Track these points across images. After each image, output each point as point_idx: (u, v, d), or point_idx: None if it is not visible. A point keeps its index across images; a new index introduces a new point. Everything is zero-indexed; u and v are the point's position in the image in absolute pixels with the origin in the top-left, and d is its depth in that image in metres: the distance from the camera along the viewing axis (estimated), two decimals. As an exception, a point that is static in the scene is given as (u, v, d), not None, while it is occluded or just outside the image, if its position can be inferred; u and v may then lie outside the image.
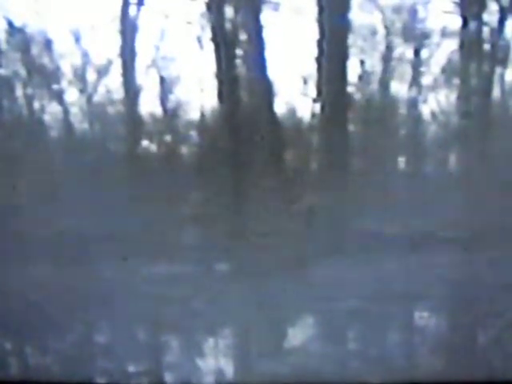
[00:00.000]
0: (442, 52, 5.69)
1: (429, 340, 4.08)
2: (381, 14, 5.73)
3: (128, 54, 5.65)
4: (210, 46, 5.55)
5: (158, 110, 5.84)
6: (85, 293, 4.42)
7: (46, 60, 5.70)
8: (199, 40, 5.60)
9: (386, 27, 5.74)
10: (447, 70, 5.75)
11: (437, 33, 5.64)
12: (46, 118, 5.82)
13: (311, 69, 5.60)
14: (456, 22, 5.59)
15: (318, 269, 4.89)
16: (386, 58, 5.76)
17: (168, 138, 5.93)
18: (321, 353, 4.00)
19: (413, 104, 5.68)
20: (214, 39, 5.53)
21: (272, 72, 5.50)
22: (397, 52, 5.75)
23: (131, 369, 3.98)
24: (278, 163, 5.53)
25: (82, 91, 5.84)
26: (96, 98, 5.87)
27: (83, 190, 5.01)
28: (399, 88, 5.76)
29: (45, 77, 5.72)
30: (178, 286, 4.60)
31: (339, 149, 5.46)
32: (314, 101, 5.61)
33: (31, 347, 4.21)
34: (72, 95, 5.86)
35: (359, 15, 5.62)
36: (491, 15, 5.63)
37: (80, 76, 5.82)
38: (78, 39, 5.68)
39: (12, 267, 4.48)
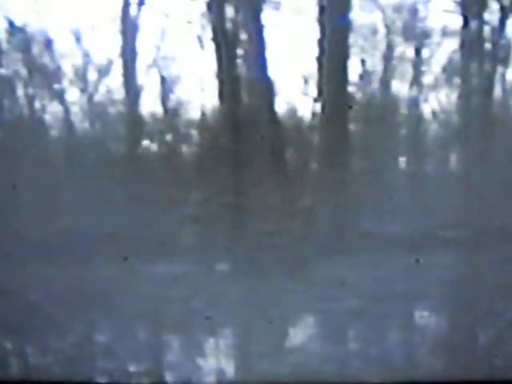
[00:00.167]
0: (443, 51, 5.68)
1: (429, 339, 4.08)
2: (381, 13, 5.72)
3: (129, 54, 5.65)
4: (210, 46, 5.55)
5: (159, 110, 5.84)
6: (85, 292, 4.43)
7: (46, 60, 5.70)
8: (200, 40, 5.59)
9: (387, 26, 5.73)
10: (448, 69, 5.75)
11: (438, 32, 5.63)
12: (47, 117, 5.82)
13: (312, 68, 5.59)
14: (457, 21, 5.58)
15: (318, 269, 4.89)
16: (387, 57, 5.76)
17: (169, 137, 5.93)
18: (321, 353, 4.01)
19: (414, 103, 5.67)
20: (215, 39, 5.53)
21: (273, 71, 5.50)
22: (397, 51, 5.74)
23: (132, 368, 3.99)
24: (279, 163, 5.54)
25: (82, 91, 5.84)
26: (97, 98, 5.87)
27: (84, 190, 5.02)
28: (400, 87, 5.75)
29: (45, 76, 5.72)
30: (178, 286, 4.61)
31: (340, 148, 5.47)
32: (315, 100, 5.60)
33: (32, 347, 4.22)
34: (73, 95, 5.86)
35: (360, 15, 5.61)
36: (492, 14, 5.62)
37: (81, 76, 5.82)
38: (78, 39, 5.67)
39: (11, 267, 4.48)
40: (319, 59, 5.49)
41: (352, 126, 5.74)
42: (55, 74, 5.72)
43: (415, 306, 4.52)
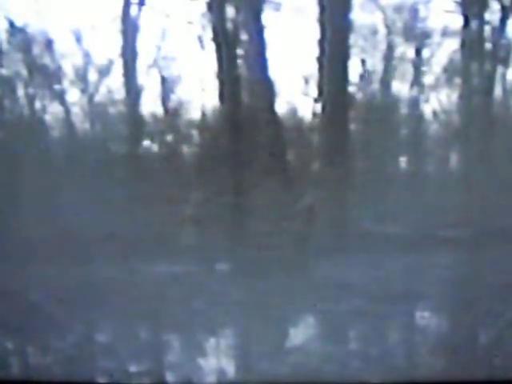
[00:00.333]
0: (444, 51, 5.68)
1: (429, 339, 4.08)
2: (382, 13, 5.72)
3: (129, 54, 5.65)
4: (211, 46, 5.56)
5: (159, 110, 5.84)
6: (86, 291, 4.43)
7: (47, 60, 5.70)
8: (200, 40, 5.60)
9: (388, 27, 5.73)
10: (448, 69, 5.75)
11: (438, 32, 5.64)
12: (48, 117, 5.82)
13: (312, 68, 5.60)
14: (457, 22, 5.58)
15: (319, 269, 4.88)
16: (388, 57, 5.76)
17: (169, 137, 5.93)
18: (321, 352, 4.00)
19: (414, 103, 5.67)
20: (215, 39, 5.53)
21: (273, 72, 5.50)
22: (398, 51, 5.74)
23: (132, 368, 3.98)
24: (279, 163, 5.53)
25: (83, 91, 5.84)
26: (97, 98, 5.87)
27: (84, 189, 5.01)
28: (401, 87, 5.75)
29: (46, 77, 5.72)
30: (178, 286, 4.60)
31: (340, 148, 5.46)
32: (315, 100, 5.60)
33: (33, 347, 4.22)
34: (73, 95, 5.87)
35: (360, 15, 5.62)
36: (492, 14, 5.62)
37: (81, 76, 5.82)
38: (79, 39, 5.68)
39: (10, 266, 4.48)
40: (320, 59, 5.48)
41: (352, 126, 5.74)
42: (56, 74, 5.72)
43: (416, 306, 4.51)
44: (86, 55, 5.77)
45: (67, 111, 5.74)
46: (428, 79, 5.73)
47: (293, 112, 5.82)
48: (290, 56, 5.46)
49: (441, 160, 5.89)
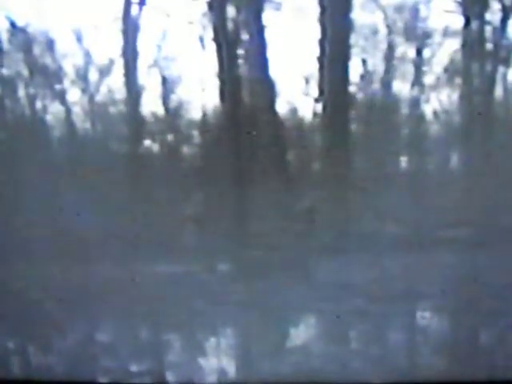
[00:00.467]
0: (444, 51, 5.67)
1: (430, 339, 4.08)
2: (382, 13, 5.71)
3: (130, 54, 5.65)
4: (211, 46, 5.55)
5: (160, 110, 5.84)
6: (86, 290, 4.44)
7: (48, 60, 5.70)
8: (201, 40, 5.59)
9: (388, 26, 5.72)
10: (449, 70, 5.74)
11: (439, 32, 5.62)
12: (48, 117, 5.82)
13: (313, 68, 5.59)
14: (458, 22, 5.57)
15: (319, 269, 4.89)
16: (388, 57, 5.75)
17: (170, 137, 5.93)
18: (322, 353, 4.01)
19: (415, 103, 5.66)
20: (216, 39, 5.53)
21: (274, 72, 5.50)
22: (399, 51, 5.73)
23: (133, 368, 3.99)
24: (280, 162, 5.54)
25: (84, 91, 5.84)
26: (98, 98, 5.87)
27: (84, 189, 5.02)
28: (401, 87, 5.74)
29: (47, 76, 5.72)
30: (178, 286, 4.62)
31: (341, 148, 5.47)
32: (316, 100, 5.60)
33: (34, 346, 4.23)
34: (74, 95, 5.86)
35: (361, 15, 5.61)
36: (494, 14, 5.61)
37: (82, 76, 5.82)
38: (80, 39, 5.68)
39: (10, 265, 4.50)
40: (320, 59, 5.48)
41: (353, 126, 5.75)
42: (56, 74, 5.72)
43: (416, 306, 4.52)
44: (87, 55, 5.77)
45: (68, 111, 5.74)
46: (429, 79, 5.72)
47: (293, 112, 5.82)
48: (290, 56, 5.45)
49: (442, 160, 5.89)
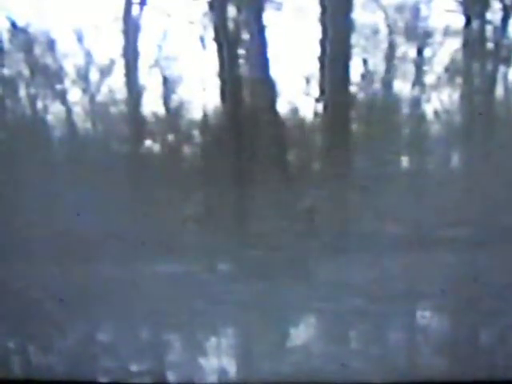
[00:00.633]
0: (445, 51, 5.66)
1: (430, 339, 4.08)
2: (383, 13, 5.70)
3: (131, 54, 5.65)
4: (212, 46, 5.55)
5: (161, 110, 5.84)
6: (86, 290, 4.44)
7: (48, 60, 5.71)
8: (202, 40, 5.59)
9: (389, 26, 5.71)
10: (450, 69, 5.73)
11: (440, 31, 5.61)
12: (49, 117, 5.82)
13: (314, 68, 5.58)
14: (459, 21, 5.56)
15: (320, 268, 4.89)
16: (389, 57, 5.74)
17: (170, 137, 5.93)
18: (323, 352, 4.01)
19: (416, 103, 5.66)
20: (217, 39, 5.53)
21: (274, 71, 5.49)
22: (399, 51, 5.72)
23: (133, 368, 4.00)
24: (281, 162, 5.53)
25: (84, 91, 5.84)
26: (99, 98, 5.87)
27: (84, 189, 5.02)
28: (402, 87, 5.73)
29: (48, 76, 5.73)
30: (179, 286, 4.62)
31: (342, 148, 5.46)
32: (317, 100, 5.60)
33: (34, 346, 4.23)
34: (75, 95, 5.86)
35: (362, 14, 5.60)
36: (494, 14, 5.60)
37: (83, 76, 5.82)
38: (80, 39, 5.68)
39: (10, 265, 4.50)
40: (321, 59, 5.48)
41: (354, 126, 5.74)
42: (57, 74, 5.72)
43: (416, 306, 4.52)
44: (88, 55, 5.77)
45: (68, 111, 5.74)
46: (430, 79, 5.71)
47: (294, 111, 5.81)
48: (291, 56, 5.45)
49: (443, 159, 5.88)
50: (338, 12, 5.39)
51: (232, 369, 4.37)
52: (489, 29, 5.55)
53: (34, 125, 5.74)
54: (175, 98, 5.84)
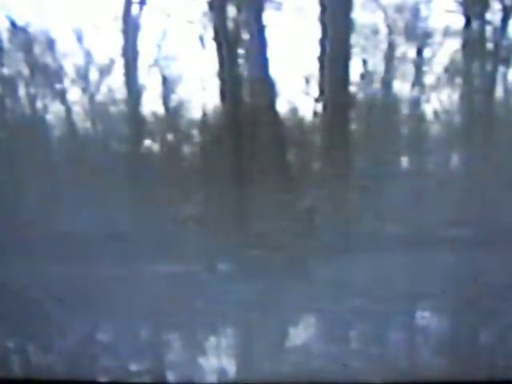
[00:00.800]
0: (445, 51, 5.66)
1: (430, 339, 4.08)
2: (383, 13, 5.71)
3: (130, 54, 5.65)
4: (211, 45, 5.55)
5: (161, 109, 5.84)
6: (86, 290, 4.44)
7: (48, 59, 5.71)
8: (201, 39, 5.59)
9: (389, 26, 5.72)
10: (450, 70, 5.73)
11: (439, 32, 5.61)
12: (49, 116, 5.82)
13: (313, 68, 5.58)
14: (459, 21, 5.56)
15: (320, 268, 4.89)
16: (389, 57, 5.74)
17: (170, 136, 5.93)
18: (323, 352, 4.01)
19: (415, 103, 5.66)
20: (216, 38, 5.53)
21: (274, 71, 5.49)
22: (399, 51, 5.73)
23: (133, 367, 4.00)
24: (280, 162, 5.53)
25: (84, 90, 5.84)
26: (98, 97, 5.87)
27: (85, 189, 5.02)
28: (402, 87, 5.74)
29: (47, 76, 5.72)
30: (179, 286, 4.62)
31: (342, 148, 5.46)
32: (317, 100, 5.60)
33: (34, 345, 4.23)
34: (74, 94, 5.86)
35: (361, 14, 5.61)
36: (494, 14, 5.60)
37: (83, 75, 5.82)
38: (80, 38, 5.67)
39: (12, 264, 4.50)
40: (321, 59, 5.48)
41: (353, 126, 5.74)
42: (57, 74, 5.72)
43: (416, 306, 4.52)
44: (88, 54, 5.76)
45: (68, 110, 5.74)
46: (429, 79, 5.71)
47: (294, 111, 5.81)
48: (291, 55, 5.45)
49: (443, 159, 5.88)
50: (337, 12, 5.39)
51: (232, 369, 4.37)
52: (489, 29, 5.56)
53: (34, 124, 5.74)
54: (175, 98, 5.84)
